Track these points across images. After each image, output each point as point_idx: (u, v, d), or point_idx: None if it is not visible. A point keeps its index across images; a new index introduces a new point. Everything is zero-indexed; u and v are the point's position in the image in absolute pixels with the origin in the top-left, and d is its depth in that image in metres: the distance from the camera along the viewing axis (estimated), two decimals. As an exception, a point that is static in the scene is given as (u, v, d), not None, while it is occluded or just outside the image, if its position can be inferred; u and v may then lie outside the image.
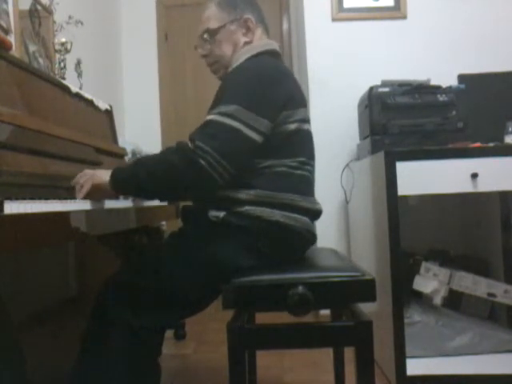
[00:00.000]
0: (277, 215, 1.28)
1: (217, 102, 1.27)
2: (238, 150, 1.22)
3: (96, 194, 1.24)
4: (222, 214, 1.28)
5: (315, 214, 1.40)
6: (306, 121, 1.40)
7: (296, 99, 1.36)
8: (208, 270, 1.28)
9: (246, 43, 1.43)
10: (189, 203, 1.42)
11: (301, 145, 1.37)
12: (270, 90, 1.28)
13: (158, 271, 1.29)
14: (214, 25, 1.45)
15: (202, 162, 1.16)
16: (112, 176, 1.24)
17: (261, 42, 1.45)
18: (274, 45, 1.47)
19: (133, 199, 1.48)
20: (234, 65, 1.40)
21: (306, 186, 1.38)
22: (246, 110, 1.22)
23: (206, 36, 1.47)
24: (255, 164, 1.30)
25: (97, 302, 1.30)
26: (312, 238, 1.38)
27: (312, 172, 1.42)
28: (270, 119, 1.27)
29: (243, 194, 1.28)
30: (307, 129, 1.40)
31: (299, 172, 1.35)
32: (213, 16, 1.47)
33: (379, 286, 1.23)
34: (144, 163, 1.24)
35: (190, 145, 1.18)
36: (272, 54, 1.43)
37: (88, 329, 1.29)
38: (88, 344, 1.27)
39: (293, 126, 1.33)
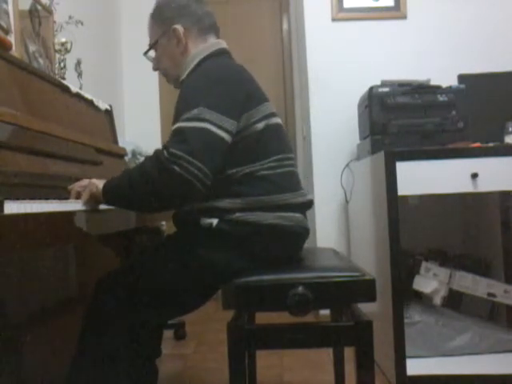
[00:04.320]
0: (270, 217, 1.27)
1: (177, 114, 1.25)
2: (209, 148, 1.19)
3: (92, 202, 1.23)
4: (214, 221, 1.27)
5: (306, 206, 1.40)
6: (273, 114, 1.37)
7: (254, 96, 1.33)
8: (205, 274, 1.28)
9: (182, 53, 1.42)
10: (178, 209, 1.40)
11: (274, 142, 1.35)
12: (226, 90, 1.27)
13: (155, 272, 1.30)
14: (150, 41, 1.48)
15: (175, 167, 1.14)
16: (104, 188, 1.22)
17: (202, 45, 1.42)
18: (219, 44, 1.44)
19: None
20: (184, 74, 1.40)
21: (291, 181, 1.37)
22: (208, 110, 1.20)
23: (148, 53, 1.49)
24: (235, 173, 1.28)
25: (93, 301, 1.30)
26: (306, 232, 1.38)
27: (293, 165, 1.40)
28: (234, 118, 1.25)
29: (231, 204, 1.27)
30: (276, 122, 1.37)
31: (280, 170, 1.33)
32: (150, 31, 1.48)
33: (379, 286, 1.23)
34: (128, 176, 1.22)
35: (164, 153, 1.16)
36: (218, 54, 1.41)
37: (85, 327, 1.29)
38: (85, 342, 1.28)
39: (260, 125, 1.31)
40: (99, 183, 1.23)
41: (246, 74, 1.38)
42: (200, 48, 1.41)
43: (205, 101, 1.22)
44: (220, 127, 1.21)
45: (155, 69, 1.52)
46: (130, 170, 1.26)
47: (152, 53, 1.50)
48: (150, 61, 1.52)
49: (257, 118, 1.31)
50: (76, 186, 1.25)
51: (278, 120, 1.39)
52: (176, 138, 1.19)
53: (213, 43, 1.43)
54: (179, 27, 1.41)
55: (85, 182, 1.25)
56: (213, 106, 1.21)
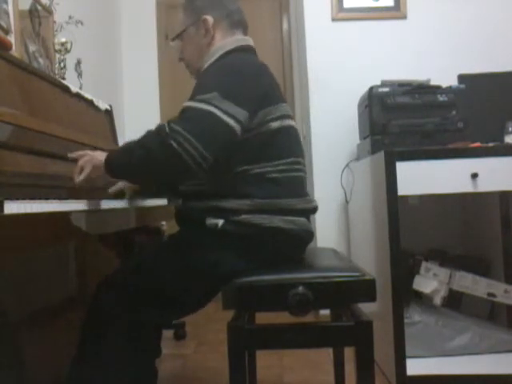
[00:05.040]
0: (276, 221, 1.27)
1: (190, 98, 1.25)
2: (211, 132, 1.19)
3: (94, 174, 1.26)
4: (220, 222, 1.26)
5: (312, 211, 1.40)
6: (288, 116, 1.37)
7: (274, 95, 1.33)
8: (207, 275, 1.28)
9: (208, 45, 1.42)
10: (183, 207, 1.41)
11: (286, 144, 1.34)
12: (244, 83, 1.27)
13: (156, 272, 1.29)
14: (178, 29, 1.47)
15: (172, 142, 1.14)
16: (106, 160, 1.25)
17: (229, 39, 1.41)
18: (245, 40, 1.44)
19: (128, 200, 1.48)
20: (205, 65, 1.40)
21: (300, 186, 1.36)
22: (222, 98, 1.20)
23: (174, 41, 1.49)
24: (245, 171, 1.28)
25: (94, 301, 1.30)
26: (310, 236, 1.38)
27: (303, 170, 1.39)
28: (247, 110, 1.24)
29: (238, 205, 1.26)
30: (289, 124, 1.37)
31: (291, 174, 1.33)
32: (179, 20, 1.48)
33: (379, 286, 1.23)
34: (129, 149, 1.24)
35: (165, 127, 1.17)
36: (244, 50, 1.41)
37: (85, 327, 1.29)
38: (85, 342, 1.28)
39: (276, 124, 1.30)
40: (101, 156, 1.26)
41: (268, 72, 1.38)
42: (225, 41, 1.41)
43: (220, 89, 1.22)
44: (228, 114, 1.20)
45: (180, 59, 1.50)
46: (132, 143, 1.26)
47: (177, 42, 1.49)
48: (175, 50, 1.51)
49: (273, 116, 1.30)
50: (80, 161, 1.28)
51: (292, 123, 1.39)
52: (181, 115, 1.20)
53: (238, 39, 1.43)
54: (209, 18, 1.40)
55: (87, 156, 1.28)
56: (226, 94, 1.21)
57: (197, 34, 1.43)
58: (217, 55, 1.39)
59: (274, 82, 1.38)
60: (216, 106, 1.19)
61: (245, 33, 1.47)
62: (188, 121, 1.18)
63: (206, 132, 1.18)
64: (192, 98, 1.24)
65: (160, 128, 1.19)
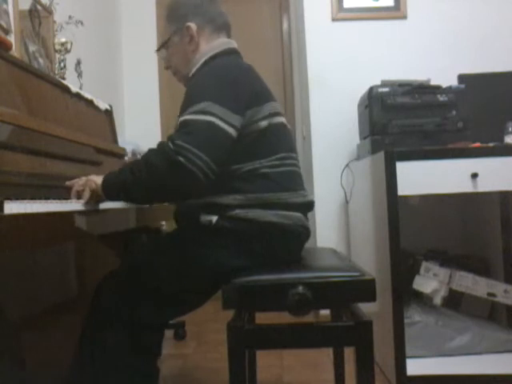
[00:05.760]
0: (269, 215, 1.27)
1: (183, 108, 1.25)
2: (215, 142, 1.20)
3: (93, 199, 1.23)
4: (214, 218, 1.27)
5: (307, 206, 1.39)
6: (277, 114, 1.37)
7: (260, 95, 1.34)
8: (205, 272, 1.28)
9: (193, 51, 1.42)
10: (179, 206, 1.41)
11: (276, 140, 1.35)
12: (232, 86, 1.27)
13: (156, 271, 1.30)
14: (163, 38, 1.48)
15: (181, 158, 1.14)
16: (103, 182, 1.23)
17: (213, 44, 1.42)
18: (229, 43, 1.45)
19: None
20: (192, 71, 1.41)
21: (292, 180, 1.36)
22: (216, 105, 1.21)
23: (160, 50, 1.49)
24: (236, 170, 1.29)
25: (93, 301, 1.30)
26: (306, 232, 1.38)
27: (295, 164, 1.40)
28: (240, 114, 1.25)
29: (231, 200, 1.27)
30: (279, 122, 1.37)
31: (282, 169, 1.33)
32: (163, 29, 1.49)
33: (379, 286, 1.23)
34: (130, 168, 1.23)
35: (169, 144, 1.17)
36: (228, 53, 1.42)
37: (86, 327, 1.29)
38: (86, 342, 1.28)
39: (263, 124, 1.31)
40: (97, 179, 1.23)
41: (254, 73, 1.38)
42: (210, 46, 1.41)
43: (211, 95, 1.22)
44: (226, 121, 1.21)
45: (167, 67, 1.52)
46: (131, 163, 1.25)
47: (163, 51, 1.50)
48: (162, 58, 1.52)
49: (260, 116, 1.31)
50: (75, 186, 1.25)
51: (282, 119, 1.39)
52: (182, 130, 1.20)
53: (223, 42, 1.44)
54: (192, 25, 1.41)
55: (82, 180, 1.25)
56: (219, 101, 1.22)
57: (181, 41, 1.44)
58: (202, 60, 1.40)
59: (260, 81, 1.38)
60: (213, 115, 1.20)
61: (228, 35, 1.49)
62: (191, 134, 1.17)
63: (209, 143, 1.18)
64: (185, 109, 1.23)
65: (163, 146, 1.18)
